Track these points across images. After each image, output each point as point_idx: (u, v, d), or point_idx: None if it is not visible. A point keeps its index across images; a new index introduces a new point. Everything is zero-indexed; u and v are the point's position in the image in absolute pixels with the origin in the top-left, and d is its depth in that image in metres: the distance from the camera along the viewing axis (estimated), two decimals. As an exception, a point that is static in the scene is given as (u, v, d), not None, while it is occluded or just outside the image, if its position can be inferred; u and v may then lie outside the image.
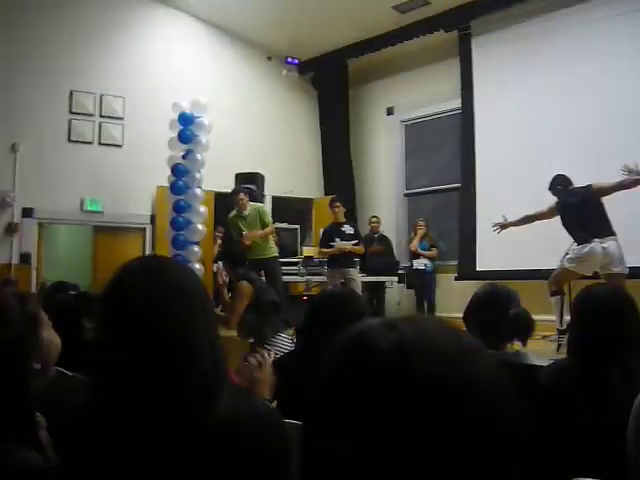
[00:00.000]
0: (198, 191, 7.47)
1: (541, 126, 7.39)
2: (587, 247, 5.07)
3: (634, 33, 6.74)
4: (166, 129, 7.47)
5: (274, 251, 7.02)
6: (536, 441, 1.68)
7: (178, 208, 7.31)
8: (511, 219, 5.87)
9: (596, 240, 5.05)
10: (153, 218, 8.51)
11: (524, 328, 2.15)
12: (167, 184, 7.51)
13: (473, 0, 7.89)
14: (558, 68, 7.31)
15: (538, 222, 5.83)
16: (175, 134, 7.44)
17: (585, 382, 1.79)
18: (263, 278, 6.16)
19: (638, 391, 1.40)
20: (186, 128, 7.41)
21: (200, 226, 7.47)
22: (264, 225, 6.88)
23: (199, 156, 7.47)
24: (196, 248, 7.38)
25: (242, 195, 6.88)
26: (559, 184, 5.51)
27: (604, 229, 5.11)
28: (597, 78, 6.93)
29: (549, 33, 7.40)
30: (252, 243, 6.66)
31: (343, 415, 0.54)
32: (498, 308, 2.14)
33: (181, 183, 7.34)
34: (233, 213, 6.97)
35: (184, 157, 7.42)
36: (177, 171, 7.35)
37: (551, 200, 5.61)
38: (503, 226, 5.92)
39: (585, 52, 7.10)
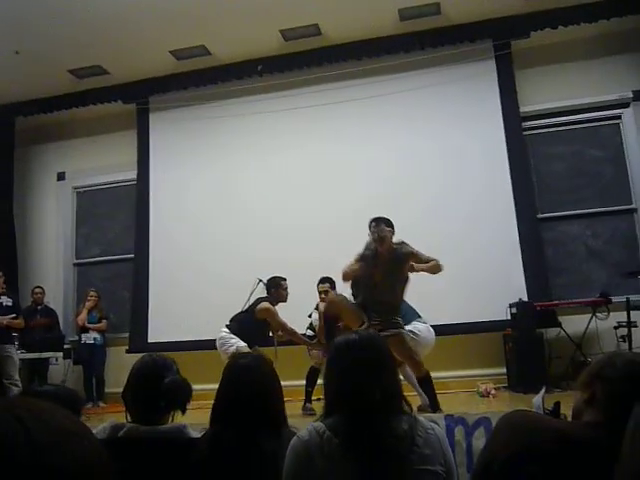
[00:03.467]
0: None
1: (220, 198, 7.85)
2: None
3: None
4: None
5: None
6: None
7: None
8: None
9: None
10: None
11: (181, 396, 2.08)
12: None
13: (152, 77, 8.10)
14: (227, 147, 8.01)
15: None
16: None
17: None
18: None
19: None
20: None
21: None
22: None
23: None
24: None
25: None
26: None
27: None
28: (262, 158, 7.83)
29: (220, 116, 8.00)
30: None
31: None
32: (154, 379, 2.05)
33: None
34: None
35: None
36: None
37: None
38: None
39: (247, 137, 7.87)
